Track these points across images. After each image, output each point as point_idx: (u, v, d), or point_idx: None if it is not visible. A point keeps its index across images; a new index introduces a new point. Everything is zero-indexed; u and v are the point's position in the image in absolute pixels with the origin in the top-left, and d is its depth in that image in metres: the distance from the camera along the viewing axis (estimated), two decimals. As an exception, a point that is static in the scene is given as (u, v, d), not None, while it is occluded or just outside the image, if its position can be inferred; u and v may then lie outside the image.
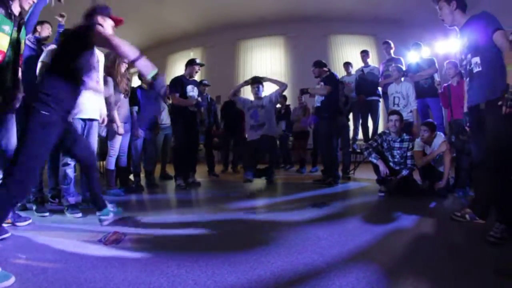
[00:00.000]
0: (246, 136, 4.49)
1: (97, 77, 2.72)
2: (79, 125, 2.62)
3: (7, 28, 1.89)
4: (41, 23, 2.95)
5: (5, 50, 1.91)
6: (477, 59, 2.06)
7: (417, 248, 1.78)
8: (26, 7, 2.07)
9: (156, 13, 8.72)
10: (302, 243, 1.81)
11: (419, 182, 3.52)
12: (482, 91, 2.02)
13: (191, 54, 9.96)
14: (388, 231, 2.08)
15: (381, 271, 1.40)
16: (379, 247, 1.76)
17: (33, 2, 2.11)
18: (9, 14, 1.90)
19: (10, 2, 1.94)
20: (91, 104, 2.70)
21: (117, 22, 2.34)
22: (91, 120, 2.73)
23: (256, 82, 4.41)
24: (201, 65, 4.31)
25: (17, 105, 2.06)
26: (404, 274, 1.37)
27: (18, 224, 2.14)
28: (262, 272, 1.39)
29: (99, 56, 2.78)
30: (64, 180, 2.57)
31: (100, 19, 2.18)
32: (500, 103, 1.84)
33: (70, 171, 2.60)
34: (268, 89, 4.56)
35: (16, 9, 1.99)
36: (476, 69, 2.07)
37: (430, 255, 1.63)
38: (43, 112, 1.67)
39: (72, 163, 2.60)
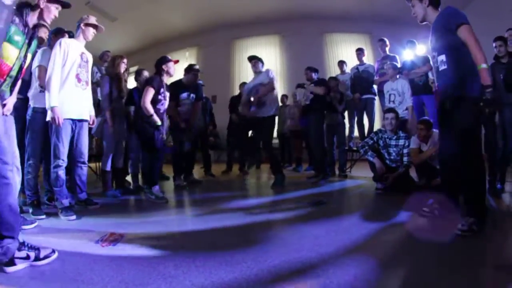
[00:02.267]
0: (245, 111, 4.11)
1: (86, 77, 2.70)
2: (69, 126, 2.57)
3: (20, 40, 1.74)
4: (39, 26, 2.92)
5: (12, 65, 1.76)
6: (442, 57, 2.06)
7: (415, 245, 1.79)
8: (48, 20, 1.94)
9: (151, 13, 8.67)
10: (299, 241, 1.82)
11: (415, 179, 3.54)
12: (447, 89, 2.05)
13: (186, 54, 9.94)
14: (385, 229, 2.09)
15: (378, 268, 1.41)
16: (376, 245, 1.77)
17: (55, 16, 1.97)
18: (23, 26, 1.76)
19: (28, 12, 1.79)
20: (81, 104, 2.66)
21: (175, 62, 3.42)
22: (81, 120, 2.69)
23: (254, 58, 4.28)
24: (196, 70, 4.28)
25: (11, 110, 1.98)
26: (401, 271, 1.38)
27: (24, 227, 2.09)
28: (260, 272, 1.40)
29: (88, 56, 2.74)
30: (56, 182, 2.53)
31: (164, 66, 3.29)
32: (482, 104, 1.86)
33: (62, 173, 2.56)
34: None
35: (32, 21, 1.84)
36: (441, 67, 2.08)
37: (427, 251, 1.64)
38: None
39: (63, 164, 2.56)
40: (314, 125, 4.29)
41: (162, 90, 3.30)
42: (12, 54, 1.75)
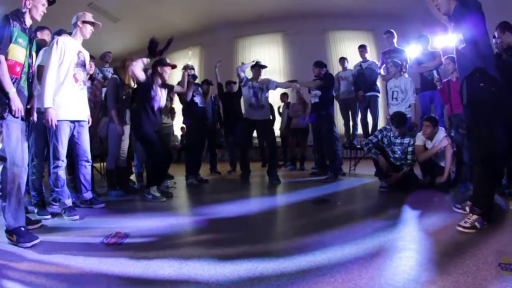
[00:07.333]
0: (244, 114, 4.49)
1: (83, 77, 2.65)
2: (68, 127, 2.54)
3: (23, 41, 1.96)
4: (41, 28, 2.90)
5: (23, 62, 1.97)
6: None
7: (419, 243, 1.78)
8: (38, 18, 2.10)
9: (153, 13, 8.69)
10: (303, 239, 1.81)
11: (420, 177, 3.52)
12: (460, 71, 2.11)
13: (190, 53, 9.93)
14: (390, 227, 2.07)
15: (383, 266, 1.41)
16: (380, 243, 1.76)
17: (43, 12, 2.11)
18: (23, 29, 1.97)
19: (23, 15, 2.00)
20: (79, 105, 2.61)
21: (172, 67, 3.42)
22: (80, 121, 2.64)
23: (262, 66, 4.47)
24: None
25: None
26: (406, 269, 1.38)
27: (30, 227, 2.08)
28: (264, 270, 1.40)
29: (85, 54, 2.69)
30: (57, 182, 2.51)
31: (159, 68, 3.29)
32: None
33: (62, 173, 2.54)
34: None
35: (28, 23, 2.04)
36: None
37: (432, 249, 1.63)
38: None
39: (63, 165, 2.54)
40: (327, 125, 4.39)
41: (154, 87, 3.26)
42: (20, 54, 1.97)
